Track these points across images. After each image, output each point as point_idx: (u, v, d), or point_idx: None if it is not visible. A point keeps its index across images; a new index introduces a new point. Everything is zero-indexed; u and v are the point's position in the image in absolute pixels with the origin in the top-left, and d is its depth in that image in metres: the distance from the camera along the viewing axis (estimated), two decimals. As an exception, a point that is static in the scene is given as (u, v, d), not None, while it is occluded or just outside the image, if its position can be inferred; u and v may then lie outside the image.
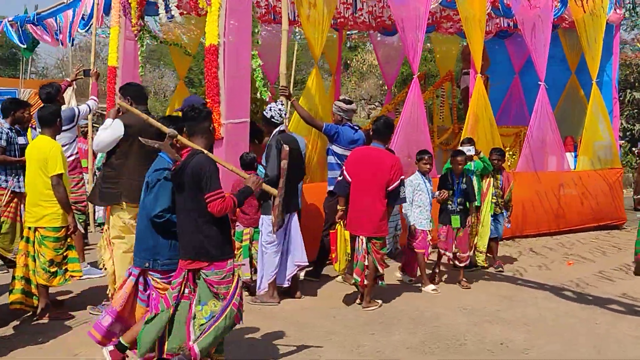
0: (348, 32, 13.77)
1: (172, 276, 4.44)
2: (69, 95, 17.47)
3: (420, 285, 7.26)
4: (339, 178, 6.68)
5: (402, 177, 6.58)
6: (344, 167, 6.66)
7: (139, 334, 4.37)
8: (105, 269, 5.99)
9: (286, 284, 6.63)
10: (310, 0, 8.65)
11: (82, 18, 11.88)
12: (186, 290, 4.38)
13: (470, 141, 8.13)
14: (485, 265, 8.23)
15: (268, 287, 6.50)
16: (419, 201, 7.24)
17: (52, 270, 5.80)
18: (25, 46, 13.41)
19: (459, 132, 11.50)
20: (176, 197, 4.43)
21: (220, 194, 4.28)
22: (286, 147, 6.20)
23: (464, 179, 7.39)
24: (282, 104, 6.69)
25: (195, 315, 4.31)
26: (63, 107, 7.41)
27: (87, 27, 11.71)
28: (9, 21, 13.21)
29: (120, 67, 9.72)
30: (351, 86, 25.92)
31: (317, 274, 7.55)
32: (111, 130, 5.85)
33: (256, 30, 7.90)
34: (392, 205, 6.65)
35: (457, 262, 7.48)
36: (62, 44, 12.89)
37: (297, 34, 15.78)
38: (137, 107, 5.99)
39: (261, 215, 6.51)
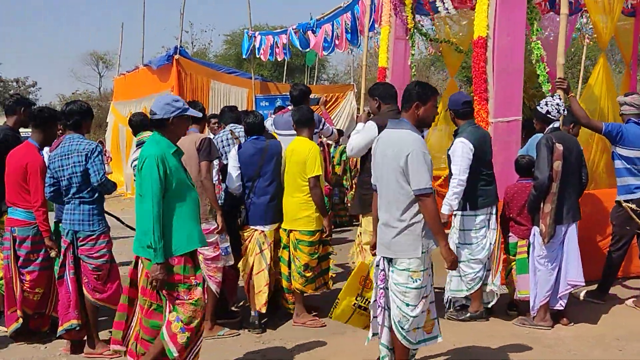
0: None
1: None
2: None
3: None
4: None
5: None
6: None
7: None
8: None
9: (558, 306, 5.75)
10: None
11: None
12: None
13: None
14: None
15: (539, 309, 5.70)
16: None
17: (307, 275, 5.71)
18: (303, 50, 14.09)
19: None
20: None
21: None
22: (559, 147, 5.41)
23: None
24: (559, 99, 5.85)
25: None
26: None
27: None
28: (293, 29, 13.99)
29: (390, 67, 9.60)
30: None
31: (602, 296, 6.49)
32: (365, 133, 5.62)
33: (537, 18, 7.14)
34: None
35: None
36: (326, 51, 13.18)
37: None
38: (385, 107, 5.72)
39: (533, 227, 5.73)
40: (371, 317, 4.42)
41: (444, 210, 5.67)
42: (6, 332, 5.52)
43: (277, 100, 14.42)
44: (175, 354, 4.09)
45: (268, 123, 6.94)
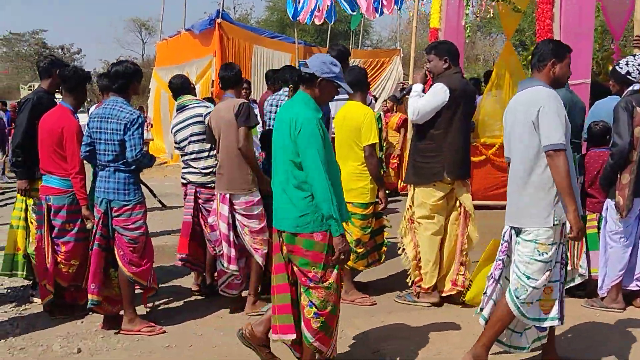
0: None
1: None
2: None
3: None
4: None
5: None
6: None
7: None
8: (405, 253, 5.35)
9: (634, 287, 5.26)
10: None
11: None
12: None
13: None
14: None
15: (611, 289, 5.22)
16: None
17: (359, 250, 5.32)
18: (354, 13, 13.59)
19: None
20: None
21: None
22: (641, 110, 4.89)
23: None
24: (643, 58, 5.27)
25: None
26: None
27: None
28: (341, -10, 13.48)
29: (443, 28, 9.07)
30: None
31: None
32: (433, 97, 5.09)
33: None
34: None
35: None
36: (377, 12, 12.63)
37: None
38: (453, 69, 5.23)
39: (606, 199, 5.23)
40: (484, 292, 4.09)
41: None
42: (41, 304, 5.30)
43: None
44: (311, 340, 3.73)
45: None
